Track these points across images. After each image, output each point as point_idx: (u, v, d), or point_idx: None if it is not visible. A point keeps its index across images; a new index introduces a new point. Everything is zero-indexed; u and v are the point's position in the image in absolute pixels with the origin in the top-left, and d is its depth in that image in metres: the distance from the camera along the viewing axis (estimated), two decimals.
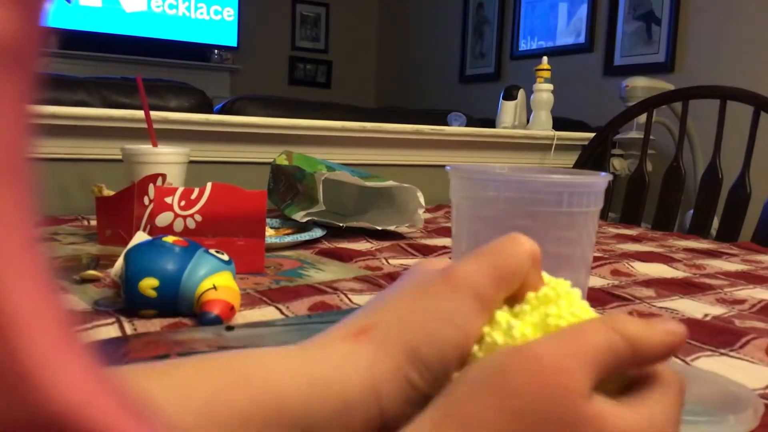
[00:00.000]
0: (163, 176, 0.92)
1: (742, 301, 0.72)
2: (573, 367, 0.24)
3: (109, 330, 0.53)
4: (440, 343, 0.27)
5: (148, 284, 0.55)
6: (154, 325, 0.55)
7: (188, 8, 4.64)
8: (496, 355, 0.26)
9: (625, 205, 1.59)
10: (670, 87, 2.19)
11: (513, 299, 0.30)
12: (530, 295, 0.30)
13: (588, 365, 0.25)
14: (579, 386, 0.24)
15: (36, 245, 0.17)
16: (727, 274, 0.88)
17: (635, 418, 0.25)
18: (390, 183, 1.05)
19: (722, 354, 0.54)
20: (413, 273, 0.31)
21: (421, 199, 1.04)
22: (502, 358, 0.25)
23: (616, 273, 0.85)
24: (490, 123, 2.06)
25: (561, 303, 0.29)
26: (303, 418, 0.26)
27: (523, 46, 3.84)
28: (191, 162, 1.03)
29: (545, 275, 0.31)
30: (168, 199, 0.75)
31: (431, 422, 0.25)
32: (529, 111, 2.04)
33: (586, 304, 0.30)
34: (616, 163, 2.29)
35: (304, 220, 0.99)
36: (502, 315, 0.29)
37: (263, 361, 0.28)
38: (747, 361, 0.53)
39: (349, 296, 0.66)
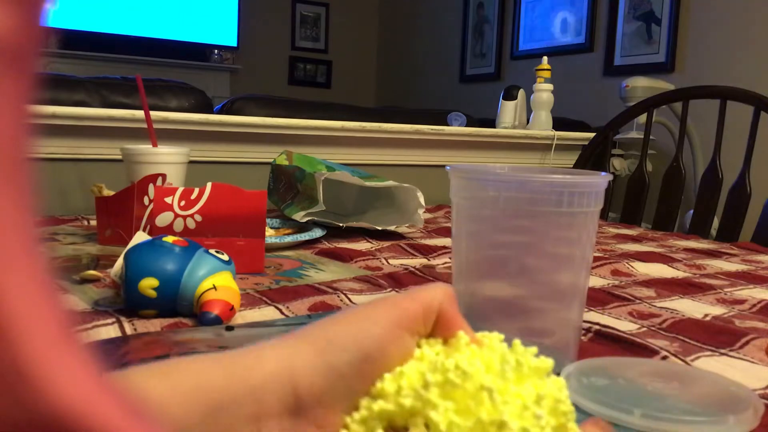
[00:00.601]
0: (163, 176, 0.92)
1: (742, 301, 0.72)
2: None
3: (109, 330, 0.53)
4: (359, 333, 0.29)
5: (148, 284, 0.55)
6: (154, 325, 0.55)
7: (189, 8, 4.64)
8: None
9: (626, 205, 1.59)
10: (671, 87, 2.19)
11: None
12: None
13: None
14: None
15: (35, 245, 0.17)
16: (728, 274, 0.88)
17: None
18: (390, 183, 1.05)
19: (722, 354, 0.54)
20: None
21: (421, 199, 1.04)
22: None
23: (616, 273, 0.85)
24: (490, 123, 2.06)
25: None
26: (218, 400, 0.27)
27: (523, 45, 3.84)
28: (191, 162, 1.03)
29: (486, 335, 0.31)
30: (168, 199, 0.75)
31: None
32: (529, 111, 2.04)
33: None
34: (616, 163, 2.29)
35: (304, 220, 0.99)
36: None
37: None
38: (747, 361, 0.53)
39: (349, 296, 0.66)
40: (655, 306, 0.69)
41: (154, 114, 1.06)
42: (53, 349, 0.16)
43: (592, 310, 0.66)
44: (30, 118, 0.16)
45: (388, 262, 0.86)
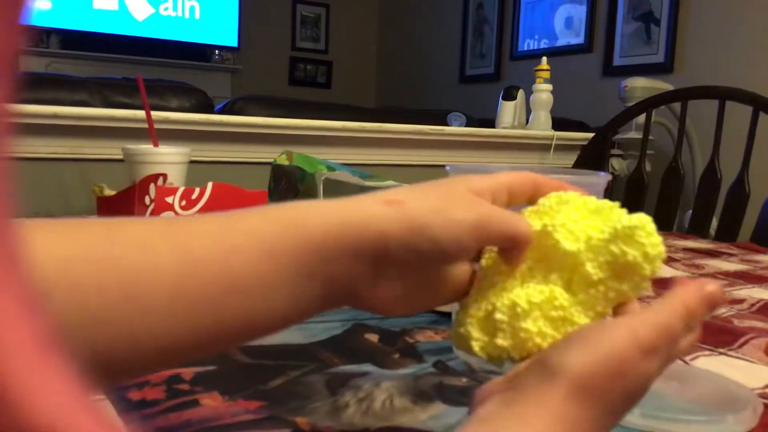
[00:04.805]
0: (164, 176, 0.92)
1: (741, 301, 0.73)
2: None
3: None
4: (453, 222, 0.31)
5: None
6: None
7: (189, 9, 4.65)
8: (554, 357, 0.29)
9: (624, 205, 1.57)
10: (670, 87, 2.19)
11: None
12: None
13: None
14: (654, 376, 0.29)
15: (14, 255, 0.17)
16: (726, 274, 0.88)
17: None
18: (390, 183, 1.05)
19: (721, 353, 0.54)
20: (450, 182, 0.33)
21: None
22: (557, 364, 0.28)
23: None
24: (490, 123, 2.06)
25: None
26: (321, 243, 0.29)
27: (523, 46, 3.84)
28: (192, 162, 1.03)
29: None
30: (169, 199, 0.76)
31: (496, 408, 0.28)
32: (528, 111, 2.04)
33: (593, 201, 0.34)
34: (616, 163, 2.29)
35: None
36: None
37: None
38: (746, 360, 0.53)
39: None
40: None
41: (155, 114, 1.06)
42: (30, 366, 0.16)
43: None
44: (8, 117, 0.16)
45: None
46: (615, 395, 0.28)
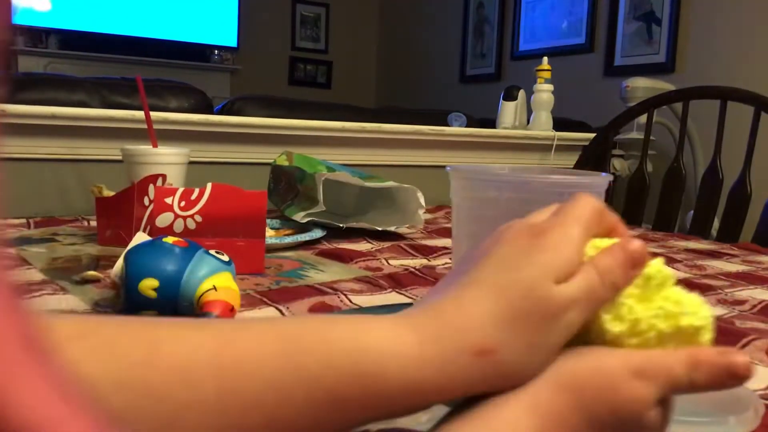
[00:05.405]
0: (163, 177, 0.92)
1: (742, 302, 0.72)
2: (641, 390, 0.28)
3: None
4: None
5: (149, 285, 0.55)
6: None
7: (189, 8, 4.64)
8: (580, 359, 0.29)
9: (626, 206, 1.59)
10: (671, 87, 2.19)
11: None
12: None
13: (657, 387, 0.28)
14: (644, 402, 0.28)
15: None
16: (728, 275, 0.87)
17: None
18: (390, 183, 1.05)
19: None
20: (518, 274, 0.30)
21: (422, 200, 1.04)
22: (582, 364, 0.28)
23: None
24: (491, 123, 2.06)
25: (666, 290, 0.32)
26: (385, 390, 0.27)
27: (524, 46, 3.84)
28: (191, 162, 1.03)
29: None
30: (168, 200, 0.75)
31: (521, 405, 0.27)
32: (529, 111, 2.04)
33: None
34: (617, 163, 2.29)
35: (305, 220, 0.99)
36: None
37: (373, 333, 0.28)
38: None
39: (349, 297, 0.66)
40: None
41: (154, 114, 1.06)
42: (16, 365, 0.16)
43: None
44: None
45: (388, 263, 0.86)
46: (601, 407, 0.27)
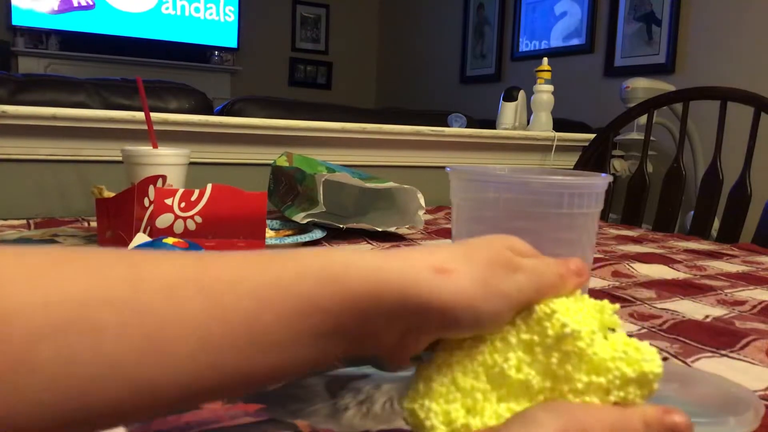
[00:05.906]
0: (164, 178, 0.92)
1: (742, 303, 0.72)
2: None
3: None
4: (497, 296, 0.31)
5: None
6: None
7: (189, 9, 4.65)
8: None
9: (626, 207, 1.59)
10: (671, 88, 2.19)
11: None
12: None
13: None
14: None
15: None
16: (728, 276, 0.87)
17: None
18: (390, 184, 1.05)
19: (723, 355, 0.54)
20: (490, 245, 0.33)
21: (422, 201, 1.04)
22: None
23: (616, 274, 0.85)
24: (491, 124, 2.06)
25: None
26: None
27: (524, 47, 3.84)
28: (191, 163, 1.03)
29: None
30: (168, 201, 0.75)
31: None
32: (529, 112, 2.04)
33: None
34: (617, 164, 2.29)
35: (305, 221, 0.99)
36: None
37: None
38: (747, 362, 0.53)
39: None
40: (655, 307, 0.69)
41: (154, 115, 1.06)
42: None
43: None
44: None
45: None
46: None
